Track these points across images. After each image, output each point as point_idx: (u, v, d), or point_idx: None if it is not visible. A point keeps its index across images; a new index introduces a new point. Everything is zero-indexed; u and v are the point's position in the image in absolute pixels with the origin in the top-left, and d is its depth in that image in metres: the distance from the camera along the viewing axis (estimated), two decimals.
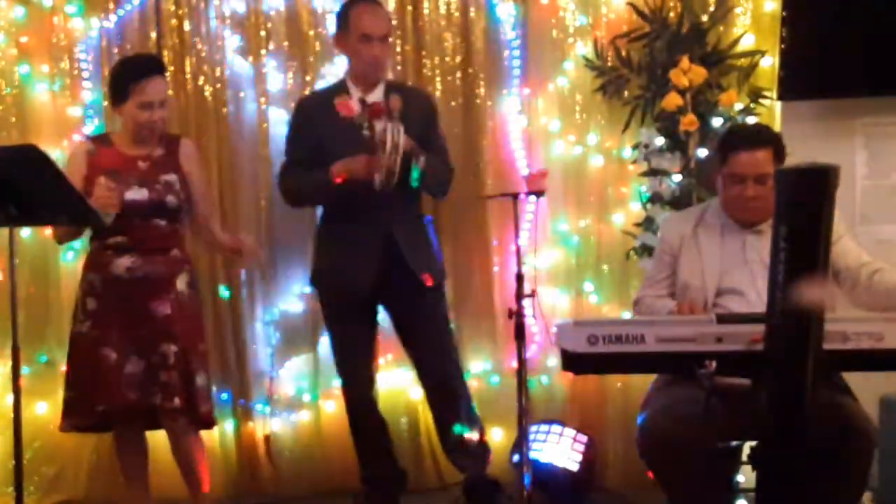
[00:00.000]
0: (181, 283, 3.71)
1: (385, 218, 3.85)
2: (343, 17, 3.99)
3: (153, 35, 4.60)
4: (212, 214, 3.97)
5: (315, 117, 3.97)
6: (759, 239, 3.31)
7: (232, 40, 4.69)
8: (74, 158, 3.78)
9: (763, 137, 3.33)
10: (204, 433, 3.86)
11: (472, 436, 4.07)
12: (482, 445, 4.14)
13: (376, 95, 3.92)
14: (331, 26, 4.68)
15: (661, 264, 3.48)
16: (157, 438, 3.89)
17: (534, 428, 4.21)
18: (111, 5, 4.62)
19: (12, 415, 3.42)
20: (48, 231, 4.55)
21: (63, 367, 4.53)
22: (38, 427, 4.57)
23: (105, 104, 4.63)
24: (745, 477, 3.45)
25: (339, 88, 4.01)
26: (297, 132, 4.04)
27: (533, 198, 3.92)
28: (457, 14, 4.61)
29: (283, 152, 4.13)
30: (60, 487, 4.61)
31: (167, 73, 3.81)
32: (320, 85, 4.68)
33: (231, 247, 3.98)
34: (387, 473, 4.14)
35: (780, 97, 4.29)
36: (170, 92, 4.28)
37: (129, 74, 3.71)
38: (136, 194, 3.64)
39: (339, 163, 3.77)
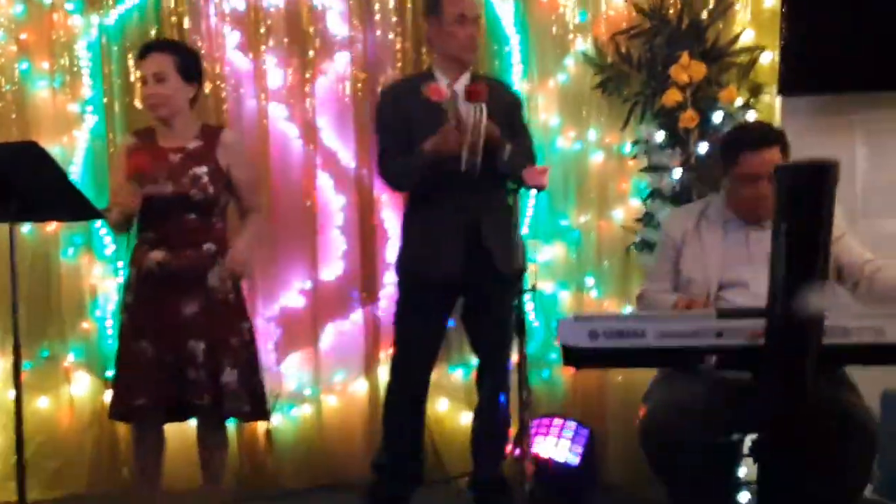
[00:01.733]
0: (213, 279, 3.62)
1: (471, 204, 3.78)
2: (435, 2, 3.91)
3: (153, 32, 4.60)
4: (253, 208, 3.82)
5: (402, 103, 3.88)
6: (762, 233, 3.30)
7: (232, 37, 4.70)
8: (119, 154, 3.77)
9: (773, 136, 3.34)
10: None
11: (504, 433, 4.06)
12: (503, 446, 4.11)
13: (462, 82, 3.86)
14: (331, 23, 4.70)
15: (663, 259, 3.49)
16: (171, 431, 3.83)
17: (535, 422, 4.21)
18: (111, 2, 4.63)
19: (14, 410, 3.42)
20: (50, 227, 4.57)
21: (65, 363, 4.64)
22: (40, 422, 4.58)
23: (105, 101, 4.65)
24: (747, 470, 3.46)
25: (425, 76, 3.95)
26: (387, 119, 3.94)
27: (534, 192, 3.92)
28: None
29: (377, 142, 4.02)
30: (62, 482, 4.61)
31: (177, 52, 3.69)
32: (320, 81, 4.71)
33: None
34: (404, 472, 4.05)
35: (781, 92, 4.29)
36: None
37: (137, 56, 3.78)
38: (161, 188, 3.57)
39: (428, 140, 3.72)
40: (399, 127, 3.85)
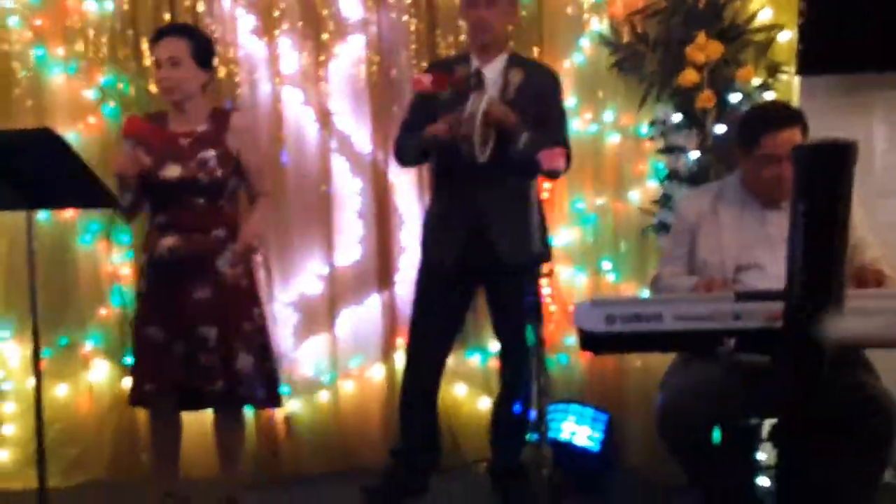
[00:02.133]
0: (222, 264, 3.62)
1: (475, 189, 3.78)
2: None
3: (167, 17, 4.58)
4: (262, 192, 3.79)
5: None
6: (779, 215, 3.27)
7: (246, 21, 4.68)
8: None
9: (794, 116, 3.29)
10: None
11: (523, 422, 4.06)
12: (522, 435, 4.11)
13: (495, 67, 3.87)
14: (344, 5, 4.68)
15: (678, 241, 3.45)
16: (187, 418, 3.85)
17: (553, 407, 4.20)
18: None
19: (34, 397, 3.43)
20: (67, 213, 4.58)
21: (84, 350, 4.66)
22: (60, 409, 4.60)
23: (119, 86, 4.64)
24: (767, 454, 3.44)
25: (461, 58, 3.97)
26: (416, 96, 3.99)
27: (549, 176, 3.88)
28: None
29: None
30: (83, 468, 4.63)
31: (192, 37, 3.70)
32: (335, 65, 4.69)
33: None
34: (416, 462, 4.07)
35: (800, 72, 4.24)
36: None
37: (150, 43, 3.79)
38: (170, 171, 3.58)
39: (432, 125, 3.75)
40: (424, 110, 3.86)
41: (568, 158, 3.81)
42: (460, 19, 4.17)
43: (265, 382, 3.70)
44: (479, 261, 3.83)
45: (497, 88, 3.84)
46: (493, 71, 3.88)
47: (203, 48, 3.71)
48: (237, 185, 3.72)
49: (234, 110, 4.00)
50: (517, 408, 3.98)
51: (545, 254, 3.95)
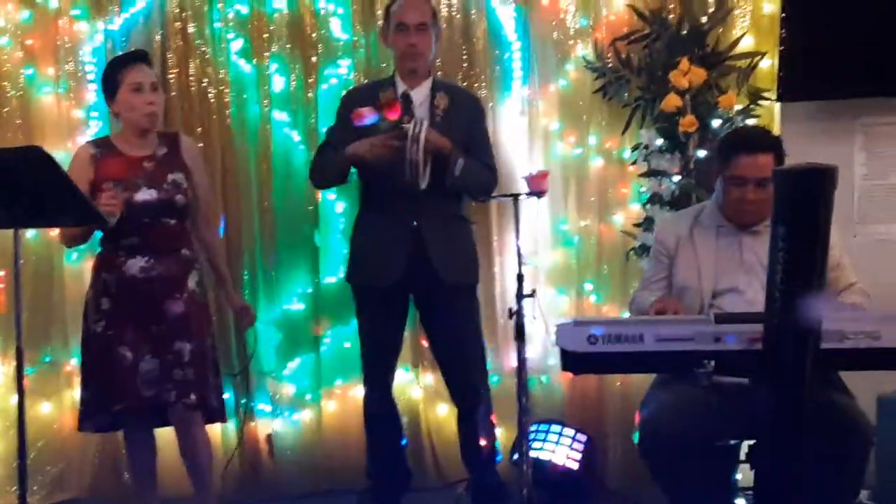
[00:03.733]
0: (192, 282, 3.72)
1: (414, 213, 3.84)
2: (385, 10, 4.05)
3: (157, 38, 4.62)
4: (211, 221, 3.97)
5: (357, 107, 3.90)
6: (755, 239, 3.33)
7: (235, 43, 4.71)
8: (79, 163, 3.77)
9: (766, 142, 3.36)
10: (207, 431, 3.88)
11: (485, 440, 4.10)
12: (493, 450, 4.15)
13: (422, 91, 3.93)
14: (334, 28, 4.72)
15: (657, 266, 3.51)
16: (164, 437, 3.89)
17: (534, 427, 4.23)
18: (116, 8, 4.63)
19: (17, 414, 3.42)
20: (53, 232, 4.59)
21: (67, 367, 4.62)
22: (42, 426, 4.59)
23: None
24: (743, 475, 3.47)
25: (387, 82, 4.02)
26: (338, 119, 4.05)
27: (534, 198, 3.93)
28: (458, 16, 4.63)
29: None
30: (64, 486, 4.63)
31: (154, 68, 3.86)
32: (323, 87, 4.72)
33: (238, 306, 4.06)
34: (394, 471, 4.14)
35: (780, 98, 4.31)
36: (171, 93, 4.45)
37: (115, 66, 3.78)
38: (146, 195, 3.64)
39: (354, 144, 3.80)
40: (346, 134, 3.89)
41: (494, 178, 4.01)
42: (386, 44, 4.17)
43: (219, 396, 3.81)
44: (422, 280, 3.88)
45: (425, 111, 3.90)
46: (419, 95, 3.94)
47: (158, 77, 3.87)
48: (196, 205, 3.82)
49: (178, 132, 4.03)
50: (482, 422, 4.03)
51: (477, 272, 4.10)
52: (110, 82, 3.74)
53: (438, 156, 3.76)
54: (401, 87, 3.94)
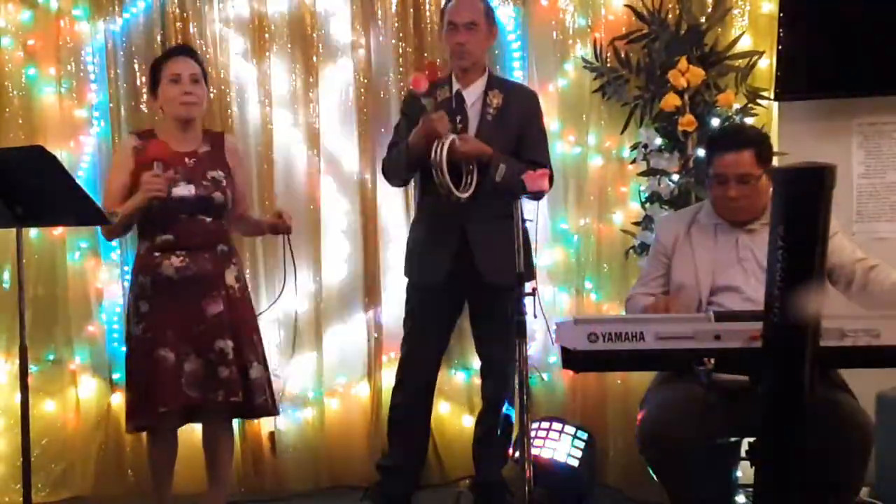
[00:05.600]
0: (230, 278, 3.70)
1: (462, 213, 3.86)
2: (441, 11, 4.08)
3: (158, 38, 4.63)
4: (249, 209, 4.01)
5: (416, 105, 3.94)
6: (751, 237, 3.36)
7: (236, 43, 4.73)
8: (122, 153, 3.76)
9: (745, 138, 3.38)
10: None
11: (504, 439, 4.11)
12: (504, 451, 4.17)
13: (476, 90, 3.96)
14: (333, 28, 4.74)
15: (655, 264, 3.53)
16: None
17: (535, 425, 4.24)
18: (117, 8, 4.66)
19: (21, 413, 3.44)
20: (56, 231, 4.61)
21: (71, 366, 4.66)
22: (46, 425, 4.62)
23: (111, 106, 4.69)
24: (744, 473, 3.49)
25: (443, 82, 4.03)
26: (401, 120, 4.11)
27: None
28: None
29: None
30: (68, 484, 4.65)
31: (201, 62, 3.82)
32: (324, 87, 4.73)
33: (271, 222, 3.94)
34: (409, 471, 4.14)
35: (777, 98, 4.33)
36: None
37: (158, 61, 3.80)
38: (184, 190, 3.61)
39: (412, 134, 3.84)
40: (408, 125, 3.93)
41: (551, 178, 3.88)
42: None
43: (270, 391, 3.78)
44: (465, 280, 3.90)
45: (477, 111, 3.93)
46: (472, 94, 3.96)
47: (206, 71, 3.82)
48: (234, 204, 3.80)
49: (224, 132, 4.06)
50: (504, 423, 4.04)
51: (528, 274, 4.03)
52: (153, 74, 3.76)
53: (480, 163, 3.80)
54: (455, 86, 3.96)
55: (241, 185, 3.86)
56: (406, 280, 4.17)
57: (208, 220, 3.66)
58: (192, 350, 3.58)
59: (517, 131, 3.94)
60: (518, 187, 3.82)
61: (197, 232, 3.64)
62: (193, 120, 3.73)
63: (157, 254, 3.64)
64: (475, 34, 3.94)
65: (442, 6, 4.11)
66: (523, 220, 4.05)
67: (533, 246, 4.06)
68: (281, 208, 4.07)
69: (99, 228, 4.28)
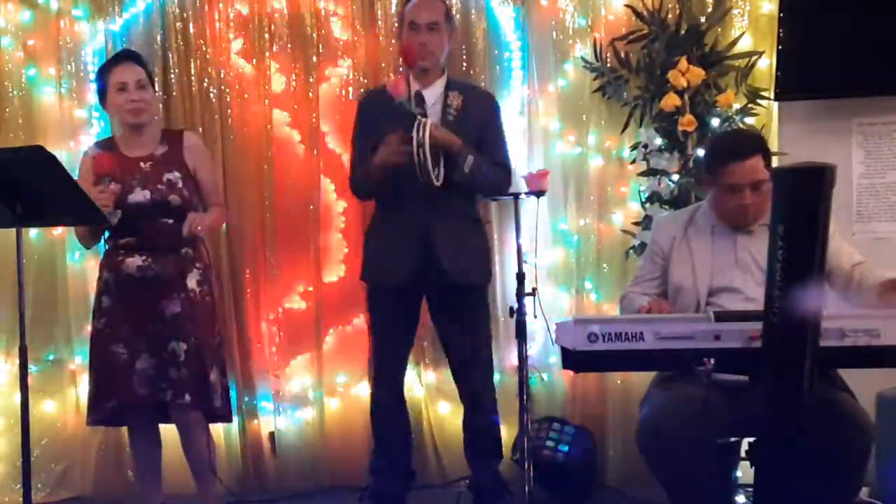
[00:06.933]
0: (192, 282, 3.76)
1: (426, 213, 3.85)
2: (399, 13, 4.08)
3: (158, 38, 4.63)
4: (218, 204, 4.01)
5: (375, 112, 3.97)
6: (749, 238, 3.35)
7: (236, 42, 4.73)
8: (82, 167, 3.88)
9: (752, 145, 3.36)
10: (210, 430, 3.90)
11: (490, 437, 4.11)
12: (497, 448, 4.17)
13: (435, 91, 3.94)
14: (334, 27, 4.74)
15: (651, 265, 3.53)
16: (169, 434, 3.93)
17: (535, 425, 4.25)
18: (117, 8, 4.66)
19: (20, 413, 3.44)
20: (56, 231, 4.61)
21: (71, 366, 4.66)
22: (46, 425, 4.62)
23: None
24: (744, 472, 3.49)
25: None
26: (360, 131, 4.07)
27: (534, 197, 3.95)
28: (457, 16, 4.62)
29: (351, 151, 4.16)
30: (68, 484, 4.66)
31: (147, 65, 3.92)
32: (324, 87, 4.73)
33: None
34: (399, 469, 4.15)
35: (777, 98, 4.33)
36: (172, 93, 4.48)
37: (103, 70, 3.87)
38: (138, 196, 3.71)
39: (377, 152, 3.82)
40: (369, 141, 3.92)
41: (507, 177, 3.99)
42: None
43: (226, 396, 3.85)
44: (431, 280, 3.90)
45: (437, 111, 3.92)
46: (432, 95, 3.95)
47: (151, 74, 3.92)
48: (199, 202, 3.84)
49: (184, 130, 4.08)
50: (484, 421, 4.04)
51: (487, 273, 4.12)
52: (100, 83, 3.84)
53: (449, 153, 3.77)
54: (414, 86, 3.93)
55: (206, 182, 3.91)
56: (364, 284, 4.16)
57: (170, 221, 3.74)
58: (146, 348, 3.68)
59: (478, 132, 3.93)
60: (483, 184, 3.86)
61: (158, 234, 3.73)
62: (148, 124, 3.81)
63: (120, 252, 3.73)
64: (437, 35, 3.94)
65: (401, 7, 4.09)
66: (485, 222, 4.12)
67: (533, 246, 4.08)
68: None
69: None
